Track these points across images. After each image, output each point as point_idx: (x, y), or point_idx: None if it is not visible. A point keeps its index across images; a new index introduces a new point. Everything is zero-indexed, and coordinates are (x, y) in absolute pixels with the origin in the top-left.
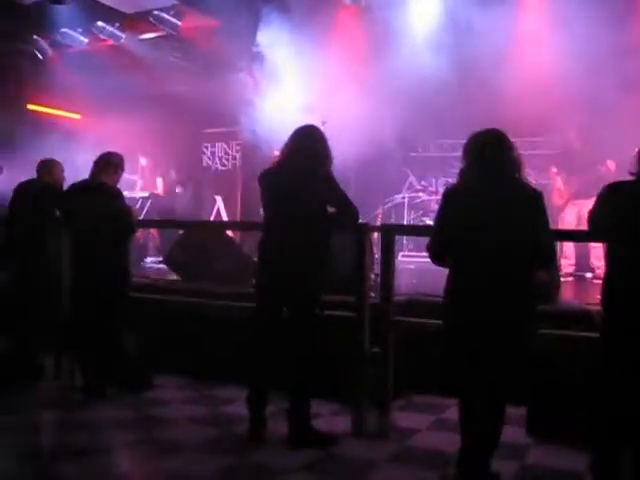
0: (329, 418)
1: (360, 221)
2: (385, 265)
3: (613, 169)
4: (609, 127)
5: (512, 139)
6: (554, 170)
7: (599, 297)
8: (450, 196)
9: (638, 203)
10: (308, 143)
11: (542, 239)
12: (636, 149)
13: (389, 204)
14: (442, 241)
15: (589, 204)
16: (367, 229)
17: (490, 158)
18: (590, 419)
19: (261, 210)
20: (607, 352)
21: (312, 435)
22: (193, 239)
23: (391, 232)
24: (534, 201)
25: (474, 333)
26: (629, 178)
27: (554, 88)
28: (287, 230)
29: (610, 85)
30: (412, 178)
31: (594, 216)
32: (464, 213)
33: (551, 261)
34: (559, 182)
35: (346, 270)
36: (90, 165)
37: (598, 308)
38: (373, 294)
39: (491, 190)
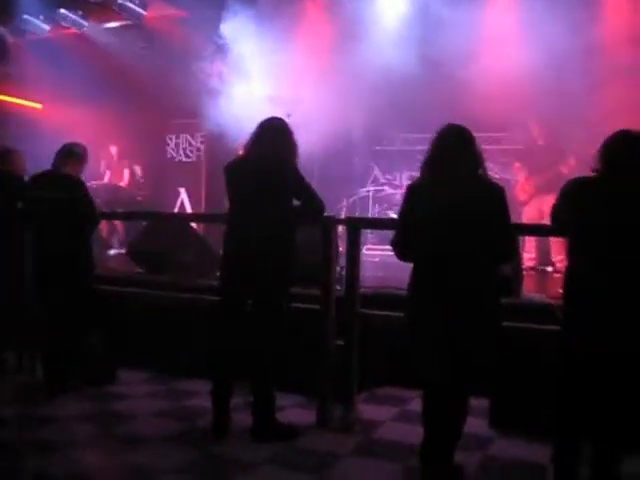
0: (294, 411)
1: (325, 214)
2: (350, 258)
3: (574, 166)
4: (572, 124)
5: (477, 134)
6: (517, 165)
7: (560, 291)
8: (412, 191)
9: (599, 200)
10: (273, 135)
11: (503, 235)
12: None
13: (354, 197)
14: (404, 236)
15: (551, 199)
16: (333, 222)
17: (451, 153)
18: (550, 412)
19: (226, 202)
20: (565, 346)
21: (276, 428)
22: (157, 231)
23: (357, 225)
24: (495, 196)
25: (437, 325)
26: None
27: (520, 84)
28: (252, 222)
29: (574, 83)
30: (377, 171)
31: (557, 211)
32: (425, 209)
33: (511, 257)
34: (522, 177)
35: (311, 262)
36: (52, 156)
37: (559, 302)
38: (339, 287)
39: (451, 185)
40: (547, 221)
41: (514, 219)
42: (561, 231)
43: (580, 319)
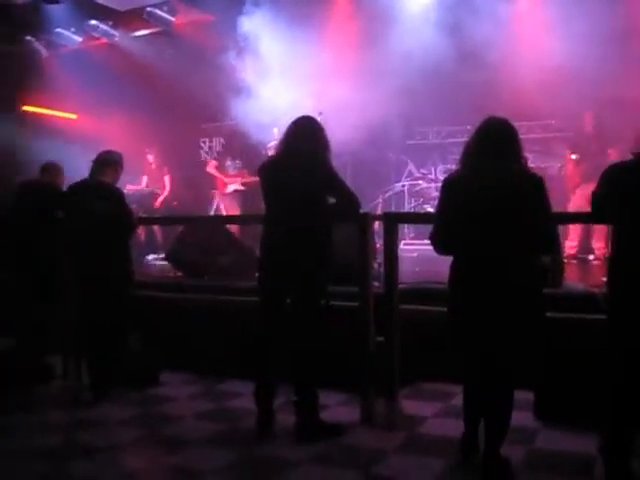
0: (337, 408)
1: (361, 210)
2: (388, 254)
3: (622, 152)
4: (618, 111)
5: (519, 122)
6: (569, 152)
7: (603, 279)
8: (450, 185)
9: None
10: (305, 134)
11: (544, 225)
12: None
13: (389, 192)
14: (443, 230)
15: None
16: (369, 218)
17: (493, 147)
18: (598, 402)
19: (261, 202)
20: (613, 334)
21: (320, 426)
22: (194, 235)
23: (393, 221)
24: (535, 188)
25: (480, 319)
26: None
27: (559, 73)
28: (288, 222)
29: (618, 69)
30: (411, 166)
31: (598, 198)
32: (464, 202)
33: (552, 247)
34: (570, 165)
35: (349, 260)
36: (88, 165)
37: (602, 290)
38: (377, 283)
39: (492, 178)
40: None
41: (561, 207)
42: (602, 218)
43: (628, 307)
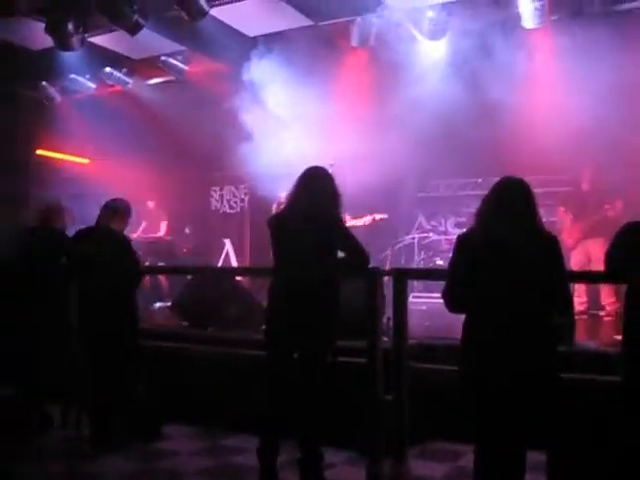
0: (343, 468)
1: (370, 265)
2: (398, 310)
3: (621, 209)
4: (617, 167)
5: (524, 177)
6: (562, 210)
7: (615, 337)
8: (463, 241)
9: None
10: (317, 185)
11: (560, 287)
12: None
13: (399, 245)
14: (456, 287)
15: (598, 243)
16: (378, 273)
17: (509, 206)
18: (612, 466)
19: (270, 253)
20: (628, 397)
21: None
22: (201, 284)
23: (403, 276)
24: (551, 248)
25: (495, 383)
26: None
27: (565, 129)
28: (299, 275)
29: (619, 126)
30: (421, 218)
31: (612, 257)
32: (479, 260)
33: (569, 308)
34: (568, 222)
35: (357, 316)
36: (97, 208)
37: (616, 349)
38: (385, 338)
39: (508, 237)
40: (594, 265)
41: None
42: (618, 278)
43: None
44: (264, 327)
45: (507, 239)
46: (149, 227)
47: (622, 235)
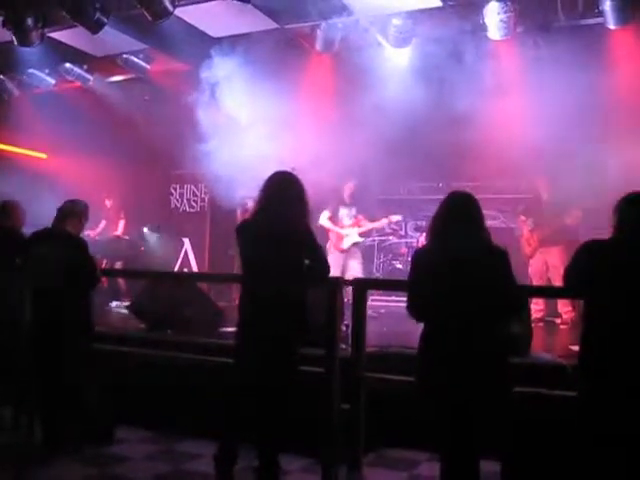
0: (298, 475)
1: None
2: (357, 321)
3: (579, 217)
4: (575, 177)
5: (483, 182)
6: (522, 219)
7: (571, 347)
8: (418, 258)
9: (616, 265)
10: (286, 192)
11: (512, 292)
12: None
13: None
14: (416, 301)
15: (556, 251)
16: (339, 283)
17: (455, 221)
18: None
19: (230, 253)
20: (586, 411)
21: None
22: (160, 287)
23: (363, 287)
24: (499, 260)
25: (450, 392)
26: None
27: (524, 137)
28: (266, 284)
29: (576, 136)
30: (384, 222)
31: (570, 274)
32: (433, 274)
33: (521, 310)
34: (526, 231)
35: (317, 321)
36: (54, 206)
37: (570, 361)
38: (344, 345)
39: (457, 252)
40: (552, 273)
41: (521, 272)
42: (576, 294)
43: (599, 389)
44: (235, 335)
45: (455, 254)
46: (108, 226)
47: (580, 252)
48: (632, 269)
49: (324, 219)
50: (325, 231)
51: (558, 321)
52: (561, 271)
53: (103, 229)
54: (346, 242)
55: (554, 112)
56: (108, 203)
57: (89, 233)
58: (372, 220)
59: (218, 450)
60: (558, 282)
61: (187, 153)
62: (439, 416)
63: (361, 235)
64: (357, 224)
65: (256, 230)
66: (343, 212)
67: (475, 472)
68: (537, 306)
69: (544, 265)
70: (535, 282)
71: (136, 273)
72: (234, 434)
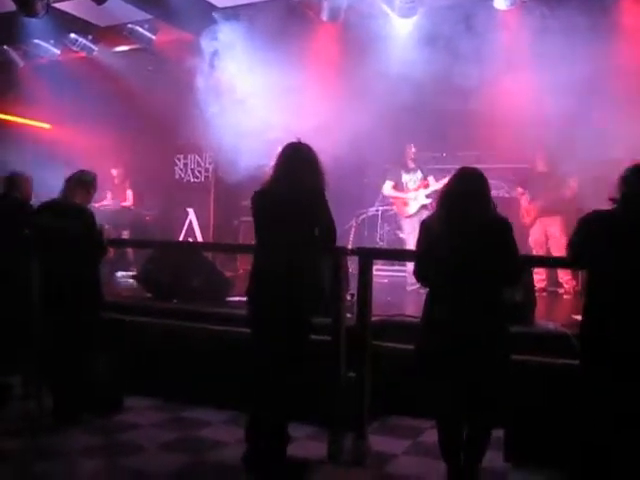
0: (305, 442)
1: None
2: (362, 290)
3: (575, 188)
4: (575, 147)
5: (488, 151)
6: (520, 190)
7: (574, 316)
8: (427, 227)
9: (617, 236)
10: (302, 165)
11: (509, 261)
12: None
13: (362, 216)
14: (424, 268)
15: (555, 221)
16: (343, 252)
17: (464, 195)
18: (568, 446)
19: (236, 223)
20: (588, 380)
21: (287, 463)
22: (166, 256)
23: (368, 256)
24: (503, 231)
25: (453, 357)
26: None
27: (529, 107)
28: (281, 253)
29: (582, 106)
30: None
31: (575, 244)
32: (440, 243)
33: (515, 279)
34: (525, 202)
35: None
36: (59, 176)
37: (574, 330)
38: (349, 315)
39: (465, 223)
40: (551, 242)
41: (521, 241)
42: (579, 264)
43: (601, 359)
44: (248, 304)
45: (462, 225)
46: (114, 196)
47: (584, 223)
48: (636, 240)
49: (388, 188)
50: (392, 202)
51: (561, 291)
52: (561, 241)
53: (111, 199)
54: (413, 206)
55: (560, 82)
56: (114, 172)
57: (98, 205)
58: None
59: (249, 421)
60: (557, 252)
61: (191, 123)
62: (436, 380)
63: (429, 197)
64: (424, 186)
65: (272, 199)
66: (406, 177)
67: (481, 439)
68: (539, 276)
69: (543, 235)
70: (535, 252)
71: (143, 242)
72: (264, 404)
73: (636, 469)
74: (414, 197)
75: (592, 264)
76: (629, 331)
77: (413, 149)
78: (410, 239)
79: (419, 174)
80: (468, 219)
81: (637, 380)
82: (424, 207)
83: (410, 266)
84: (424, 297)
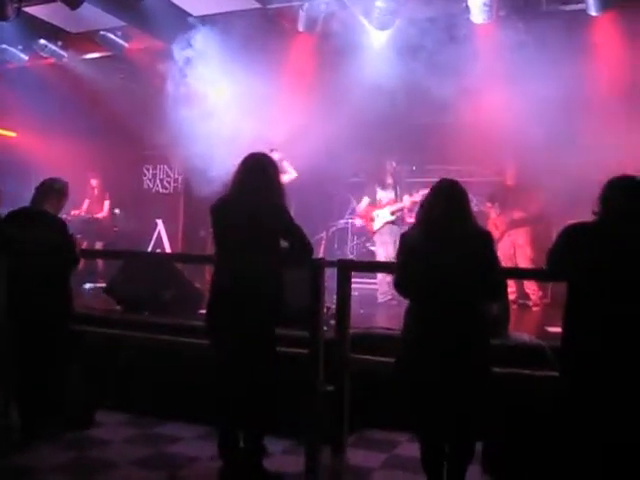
0: (281, 457)
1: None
2: (341, 302)
3: (542, 200)
4: (543, 160)
5: (457, 166)
6: (489, 205)
7: (547, 328)
8: (407, 240)
9: (599, 249)
10: (259, 174)
11: (495, 276)
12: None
13: (332, 229)
14: (404, 280)
15: (522, 232)
16: (323, 264)
17: (445, 206)
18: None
19: (203, 234)
20: (571, 392)
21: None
22: (136, 268)
23: (348, 268)
24: (485, 244)
25: (434, 370)
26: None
27: (501, 121)
28: (240, 266)
29: (552, 124)
30: (354, 204)
31: (554, 256)
32: (421, 256)
33: (499, 295)
34: (494, 215)
35: (295, 303)
36: (24, 183)
37: (549, 342)
38: (325, 328)
39: (447, 233)
40: (519, 253)
41: None
42: (558, 277)
43: (582, 372)
44: (206, 318)
45: (443, 237)
46: (91, 206)
47: (564, 235)
48: (618, 252)
49: (364, 205)
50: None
51: (530, 303)
52: (527, 251)
53: (87, 209)
54: (377, 222)
55: (533, 97)
56: (94, 182)
57: (75, 212)
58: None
59: (219, 437)
60: (524, 263)
61: (161, 133)
62: (417, 394)
63: (394, 213)
64: (390, 203)
65: (229, 209)
66: (381, 194)
67: (463, 453)
68: (510, 288)
69: (512, 247)
70: (504, 265)
71: (113, 253)
72: (226, 418)
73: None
74: (377, 214)
75: (573, 276)
76: (614, 344)
77: (394, 164)
78: (380, 252)
79: (392, 194)
80: (448, 231)
81: (621, 393)
82: (389, 223)
83: (381, 277)
84: (396, 309)
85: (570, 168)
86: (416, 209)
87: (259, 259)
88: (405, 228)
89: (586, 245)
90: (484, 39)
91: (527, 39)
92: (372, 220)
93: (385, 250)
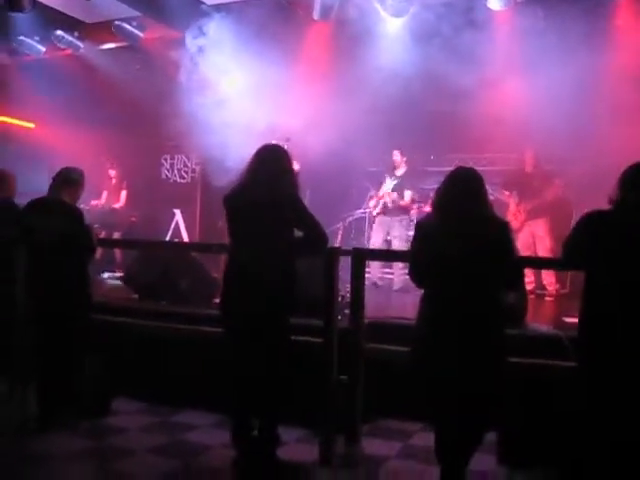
0: (295, 446)
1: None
2: (356, 291)
3: (561, 187)
4: (563, 147)
5: (476, 154)
6: (507, 194)
7: (565, 319)
8: (423, 227)
9: (616, 236)
10: (271, 165)
11: (511, 263)
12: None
13: (349, 218)
14: (419, 269)
15: (541, 223)
16: (337, 253)
17: (461, 196)
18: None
19: (220, 224)
20: (588, 383)
21: (278, 467)
22: (153, 257)
23: (363, 257)
24: (502, 233)
25: (450, 359)
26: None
27: (519, 108)
28: (253, 255)
29: (570, 110)
30: (373, 193)
31: (571, 245)
32: (436, 244)
33: (516, 284)
34: (513, 205)
35: (311, 292)
36: (43, 175)
37: (567, 333)
38: (339, 317)
39: (462, 225)
40: (538, 244)
41: None
42: (575, 266)
43: (601, 362)
44: (220, 307)
45: (459, 226)
46: (110, 197)
47: (582, 224)
48: (634, 241)
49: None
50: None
51: (545, 293)
52: (546, 242)
53: (106, 199)
54: (377, 208)
55: (552, 84)
56: (112, 173)
57: (94, 203)
58: None
59: (232, 426)
60: (543, 253)
61: (179, 123)
62: (432, 384)
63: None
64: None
65: (242, 199)
66: (388, 185)
67: (474, 442)
68: (528, 278)
69: (531, 237)
70: (523, 254)
71: (131, 243)
72: (240, 406)
73: (633, 471)
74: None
75: (589, 265)
76: (631, 334)
77: (398, 155)
78: (373, 238)
79: (391, 185)
80: (464, 219)
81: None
82: (380, 213)
83: (397, 267)
84: (410, 298)
85: (590, 155)
86: (414, 206)
87: (271, 248)
88: (396, 219)
89: (603, 234)
90: (502, 25)
91: (546, 25)
92: (376, 206)
93: (375, 237)
